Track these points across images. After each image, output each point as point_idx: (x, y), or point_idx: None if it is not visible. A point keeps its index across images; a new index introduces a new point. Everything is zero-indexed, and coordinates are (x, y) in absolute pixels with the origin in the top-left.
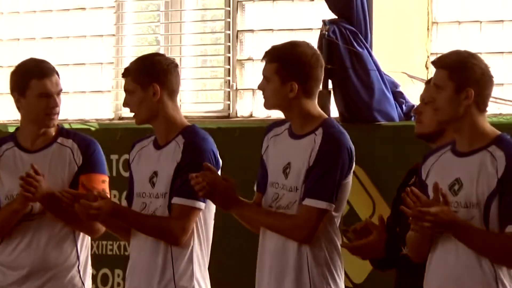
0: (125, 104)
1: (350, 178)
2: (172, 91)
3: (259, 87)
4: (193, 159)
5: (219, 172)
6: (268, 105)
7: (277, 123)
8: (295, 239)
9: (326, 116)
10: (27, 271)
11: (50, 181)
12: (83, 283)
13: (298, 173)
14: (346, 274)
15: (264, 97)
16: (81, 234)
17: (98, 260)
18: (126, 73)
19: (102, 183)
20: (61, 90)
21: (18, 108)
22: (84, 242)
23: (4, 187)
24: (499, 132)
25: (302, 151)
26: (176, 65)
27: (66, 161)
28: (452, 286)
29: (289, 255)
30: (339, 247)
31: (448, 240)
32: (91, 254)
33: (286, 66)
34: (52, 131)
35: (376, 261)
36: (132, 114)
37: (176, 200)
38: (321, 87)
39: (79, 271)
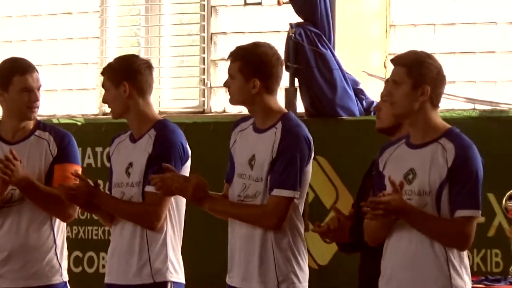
0: (104, 100)
1: (310, 166)
2: (142, 89)
3: (225, 84)
4: (162, 150)
5: (189, 161)
6: (233, 101)
7: (243, 119)
8: (266, 227)
9: (286, 111)
10: (7, 253)
11: (28, 170)
12: (60, 264)
13: (262, 164)
14: (312, 256)
15: (229, 94)
16: (57, 220)
17: (84, 244)
18: (103, 72)
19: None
20: (40, 85)
21: (1, 102)
22: (60, 227)
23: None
24: (449, 126)
25: (265, 144)
26: (149, 66)
27: (42, 152)
28: (407, 269)
29: (255, 240)
30: (302, 232)
31: (402, 226)
32: (78, 239)
33: (249, 64)
34: (31, 124)
35: (342, 245)
36: None
37: (148, 188)
38: (288, 85)
39: (56, 254)
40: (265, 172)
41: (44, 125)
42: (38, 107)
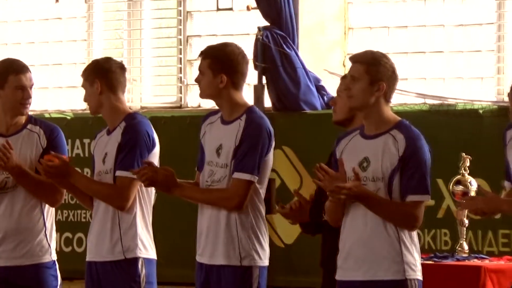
0: (84, 99)
1: (271, 155)
2: (112, 86)
3: (196, 80)
4: (129, 138)
5: (157, 149)
6: (203, 95)
7: (212, 113)
8: (228, 208)
9: (250, 104)
10: (2, 235)
11: (21, 160)
12: (49, 245)
13: (227, 152)
14: (279, 236)
15: (200, 88)
16: (47, 205)
17: (74, 226)
18: (82, 75)
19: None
20: (33, 84)
21: None
22: (50, 212)
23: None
24: (399, 118)
25: (230, 133)
26: (121, 66)
27: (33, 144)
28: (362, 246)
29: (221, 221)
30: (263, 214)
31: (358, 208)
32: (68, 222)
33: (217, 61)
34: (23, 119)
35: (304, 226)
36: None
37: (118, 173)
38: (256, 82)
39: (46, 235)
40: (229, 159)
41: (35, 120)
42: (30, 104)
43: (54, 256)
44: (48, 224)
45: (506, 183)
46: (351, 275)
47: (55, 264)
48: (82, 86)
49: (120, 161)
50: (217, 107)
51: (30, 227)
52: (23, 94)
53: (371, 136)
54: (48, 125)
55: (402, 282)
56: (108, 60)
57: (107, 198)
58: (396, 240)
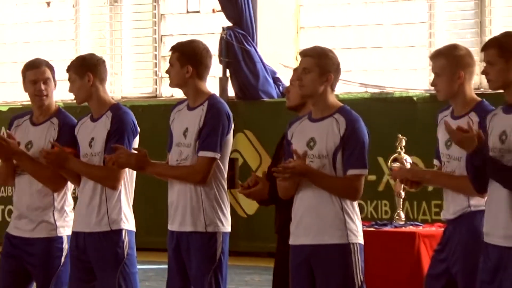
0: (69, 90)
1: (231, 136)
2: (101, 79)
3: (166, 71)
4: (118, 127)
5: (138, 136)
6: (172, 84)
7: (180, 102)
8: (194, 182)
9: (212, 93)
10: (19, 212)
11: (40, 149)
12: (55, 223)
13: (192, 134)
14: (242, 208)
15: (170, 79)
16: None
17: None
18: (68, 68)
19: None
20: (47, 78)
21: None
22: (61, 194)
23: None
24: (341, 104)
25: (195, 118)
26: (103, 61)
27: (50, 135)
28: (311, 216)
29: (188, 194)
30: (226, 187)
31: (306, 183)
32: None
33: (184, 54)
34: (51, 111)
35: (262, 201)
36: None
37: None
38: (221, 75)
39: (53, 214)
40: (193, 139)
41: (60, 113)
42: (45, 95)
43: (59, 232)
44: (57, 205)
45: (436, 161)
46: (302, 240)
47: (62, 239)
48: (70, 79)
49: (110, 146)
50: (185, 97)
51: (41, 206)
52: (35, 86)
53: (317, 119)
54: (64, 119)
55: (345, 246)
56: (93, 55)
57: (101, 179)
58: (340, 210)
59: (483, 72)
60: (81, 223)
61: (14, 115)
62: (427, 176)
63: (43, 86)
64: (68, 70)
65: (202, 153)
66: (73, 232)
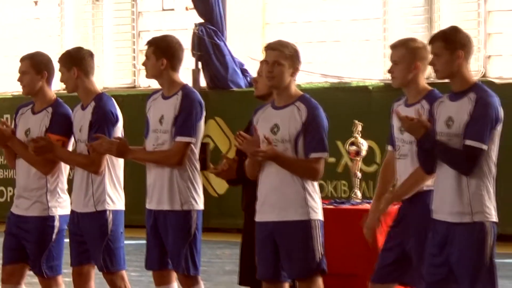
0: (60, 80)
1: (203, 122)
2: (86, 71)
3: (143, 64)
4: (98, 117)
5: (120, 123)
6: (148, 75)
7: (155, 92)
8: (170, 165)
9: (185, 83)
10: (18, 192)
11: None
12: (48, 203)
13: (168, 121)
14: (213, 187)
15: (146, 70)
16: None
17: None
18: (59, 60)
19: (57, 141)
20: (22, 71)
21: None
22: (54, 177)
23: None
24: (302, 93)
25: (170, 106)
26: (91, 54)
27: (45, 123)
28: (275, 193)
29: (165, 175)
30: (198, 168)
31: (271, 164)
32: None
33: (159, 48)
34: (49, 101)
35: (230, 180)
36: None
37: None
38: (194, 67)
39: (46, 195)
40: (170, 125)
41: (56, 103)
42: (24, 86)
43: (52, 212)
44: (50, 186)
45: (389, 147)
46: (267, 217)
47: (53, 218)
48: (60, 71)
49: (93, 137)
50: (160, 87)
51: (35, 187)
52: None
53: (281, 107)
54: (56, 108)
55: (306, 222)
56: (80, 49)
57: (85, 166)
58: (302, 189)
59: (430, 63)
60: (74, 203)
61: (20, 104)
62: (389, 200)
63: (20, 78)
64: (59, 61)
65: (179, 138)
66: (71, 211)
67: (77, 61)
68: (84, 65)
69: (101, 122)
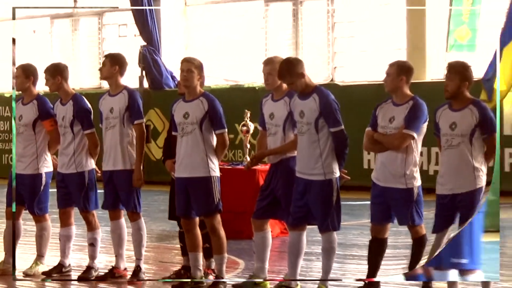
0: (45, 85)
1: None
2: (66, 78)
3: (99, 70)
4: (77, 112)
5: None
6: (101, 78)
7: (107, 91)
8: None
9: (126, 85)
10: (18, 157)
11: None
12: (38, 166)
13: (119, 111)
14: (153, 155)
15: (100, 74)
16: (38, 143)
17: None
18: (46, 71)
19: (51, 126)
20: (16, 76)
21: None
22: (41, 147)
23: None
24: (204, 91)
25: (117, 102)
26: (67, 67)
27: (35, 111)
28: (187, 157)
29: (117, 145)
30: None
31: (187, 141)
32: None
33: (112, 60)
34: (33, 95)
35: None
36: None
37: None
38: (140, 75)
39: (37, 159)
40: (121, 114)
41: (39, 97)
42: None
43: (40, 171)
44: (39, 153)
45: (260, 128)
46: (182, 174)
47: (41, 175)
48: (46, 78)
49: (82, 125)
50: (107, 87)
51: (28, 154)
52: None
53: (190, 100)
54: (40, 99)
55: (208, 177)
56: (60, 64)
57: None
58: (205, 155)
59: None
60: (60, 167)
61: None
62: (266, 153)
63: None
64: (46, 72)
65: (138, 121)
66: (58, 172)
67: (60, 71)
68: (65, 74)
69: (83, 116)
